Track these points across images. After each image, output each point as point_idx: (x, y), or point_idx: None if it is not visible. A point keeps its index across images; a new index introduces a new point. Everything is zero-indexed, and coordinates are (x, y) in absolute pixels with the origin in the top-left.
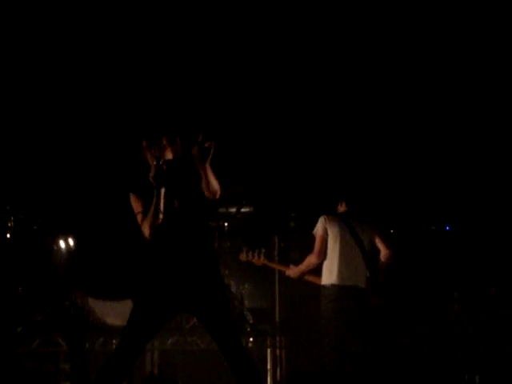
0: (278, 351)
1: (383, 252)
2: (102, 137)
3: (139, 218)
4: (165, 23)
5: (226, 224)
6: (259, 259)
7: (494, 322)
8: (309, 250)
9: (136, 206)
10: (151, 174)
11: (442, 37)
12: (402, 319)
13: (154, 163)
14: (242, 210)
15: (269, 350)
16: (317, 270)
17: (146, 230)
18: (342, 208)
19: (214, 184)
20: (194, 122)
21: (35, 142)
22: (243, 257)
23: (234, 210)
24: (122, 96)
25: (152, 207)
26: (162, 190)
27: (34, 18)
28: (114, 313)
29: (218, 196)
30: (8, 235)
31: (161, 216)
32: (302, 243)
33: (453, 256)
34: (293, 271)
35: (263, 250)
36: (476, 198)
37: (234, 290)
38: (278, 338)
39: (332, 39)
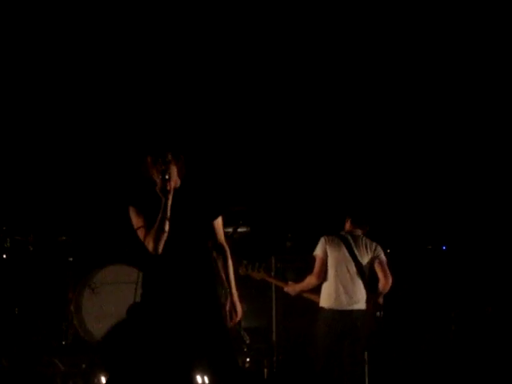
0: (274, 371)
1: (382, 281)
2: (101, 152)
3: (141, 232)
4: (168, 32)
5: None
6: (258, 273)
7: (492, 342)
8: (305, 270)
9: (137, 220)
10: (159, 187)
11: (441, 36)
12: (398, 339)
13: (161, 177)
14: (239, 229)
15: (265, 371)
16: (315, 288)
17: (151, 245)
18: (349, 225)
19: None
20: (193, 140)
21: (31, 161)
22: (243, 271)
23: (230, 230)
24: (124, 110)
25: (157, 221)
26: (169, 203)
27: (36, 22)
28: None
29: None
30: (4, 256)
31: (166, 232)
32: (299, 264)
33: (449, 275)
34: (292, 288)
35: (263, 265)
36: (472, 217)
37: None
38: (274, 358)
39: (331, 50)
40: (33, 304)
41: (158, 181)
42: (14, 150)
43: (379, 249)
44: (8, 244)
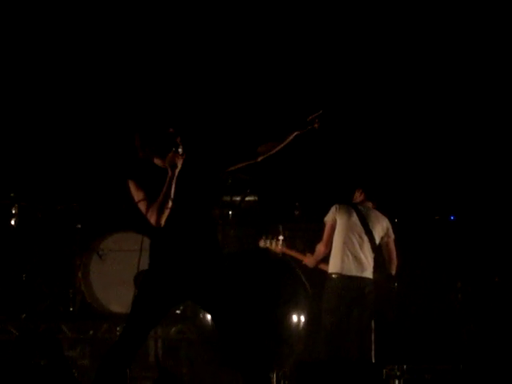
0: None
1: (388, 261)
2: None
3: (143, 205)
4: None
5: (230, 212)
6: (278, 246)
7: (498, 311)
8: (313, 238)
9: (137, 193)
10: (168, 161)
11: (440, 24)
12: (405, 309)
13: (174, 149)
14: (247, 198)
15: None
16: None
17: (154, 217)
18: (359, 197)
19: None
20: (198, 110)
21: (39, 128)
22: (262, 244)
23: (238, 198)
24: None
25: (162, 194)
26: (175, 177)
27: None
28: (118, 300)
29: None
30: (12, 222)
31: (170, 203)
32: (307, 232)
33: (457, 246)
34: (309, 260)
35: (281, 238)
36: (481, 187)
37: None
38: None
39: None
40: (40, 271)
41: (166, 153)
42: (22, 118)
43: (390, 226)
44: (16, 210)
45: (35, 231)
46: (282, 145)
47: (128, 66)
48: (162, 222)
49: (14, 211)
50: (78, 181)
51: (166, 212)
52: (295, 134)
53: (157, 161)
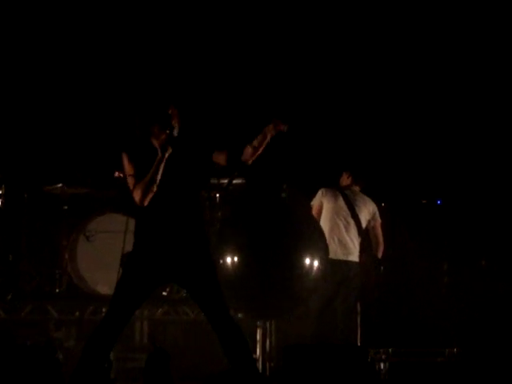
0: (267, 322)
1: (375, 245)
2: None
3: (130, 180)
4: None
5: (217, 195)
6: None
7: (484, 296)
8: None
9: (128, 167)
10: (159, 142)
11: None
12: (391, 292)
13: (168, 132)
14: (234, 181)
15: (258, 322)
16: None
17: (138, 196)
18: (347, 180)
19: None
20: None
21: (27, 108)
22: None
23: (225, 181)
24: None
25: (149, 175)
26: (164, 160)
27: None
28: (105, 281)
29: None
30: None
31: (155, 188)
32: None
33: (444, 230)
34: None
35: None
36: (467, 171)
37: None
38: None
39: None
40: (27, 251)
41: (159, 135)
42: (9, 98)
43: (376, 210)
44: (2, 191)
45: (22, 212)
46: (260, 147)
47: (127, 46)
48: (146, 202)
49: (0, 191)
50: (65, 161)
51: (151, 193)
52: (268, 135)
53: (153, 141)
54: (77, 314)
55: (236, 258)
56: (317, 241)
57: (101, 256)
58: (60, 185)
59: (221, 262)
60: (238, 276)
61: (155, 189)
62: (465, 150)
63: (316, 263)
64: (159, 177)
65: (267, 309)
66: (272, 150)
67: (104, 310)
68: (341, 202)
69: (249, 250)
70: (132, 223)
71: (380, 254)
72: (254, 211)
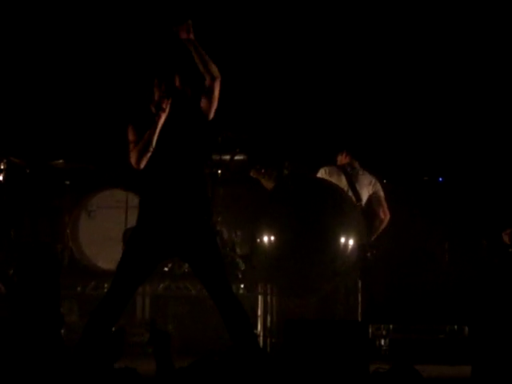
0: (268, 298)
1: (379, 217)
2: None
3: (131, 146)
4: None
5: (219, 172)
6: (269, 179)
7: (485, 273)
8: None
9: (131, 135)
10: (154, 103)
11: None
12: (392, 269)
13: (164, 94)
14: (236, 157)
15: (260, 297)
16: None
17: (134, 158)
18: (344, 159)
19: (213, 67)
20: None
21: (28, 83)
22: (254, 173)
23: (227, 157)
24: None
25: (146, 135)
26: (161, 122)
27: None
28: (106, 256)
29: (215, 82)
30: (0, 177)
31: (151, 149)
32: None
33: (445, 207)
34: None
35: (275, 173)
36: (469, 149)
37: (225, 237)
38: (268, 285)
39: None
40: (28, 227)
41: (155, 94)
42: (11, 73)
43: (378, 184)
44: (4, 166)
45: (24, 187)
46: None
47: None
48: (142, 164)
49: (2, 166)
50: (67, 137)
51: (147, 155)
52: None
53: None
54: (79, 289)
55: (274, 237)
56: (356, 220)
57: (103, 231)
58: (62, 160)
59: (258, 240)
60: (277, 254)
61: (151, 150)
62: (466, 127)
63: (351, 242)
64: (155, 137)
65: (306, 287)
66: (275, 126)
67: (106, 285)
68: (343, 181)
69: (289, 228)
70: (134, 199)
71: (382, 226)
72: (294, 190)
